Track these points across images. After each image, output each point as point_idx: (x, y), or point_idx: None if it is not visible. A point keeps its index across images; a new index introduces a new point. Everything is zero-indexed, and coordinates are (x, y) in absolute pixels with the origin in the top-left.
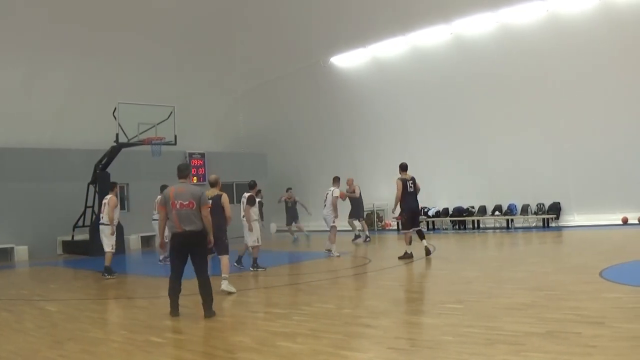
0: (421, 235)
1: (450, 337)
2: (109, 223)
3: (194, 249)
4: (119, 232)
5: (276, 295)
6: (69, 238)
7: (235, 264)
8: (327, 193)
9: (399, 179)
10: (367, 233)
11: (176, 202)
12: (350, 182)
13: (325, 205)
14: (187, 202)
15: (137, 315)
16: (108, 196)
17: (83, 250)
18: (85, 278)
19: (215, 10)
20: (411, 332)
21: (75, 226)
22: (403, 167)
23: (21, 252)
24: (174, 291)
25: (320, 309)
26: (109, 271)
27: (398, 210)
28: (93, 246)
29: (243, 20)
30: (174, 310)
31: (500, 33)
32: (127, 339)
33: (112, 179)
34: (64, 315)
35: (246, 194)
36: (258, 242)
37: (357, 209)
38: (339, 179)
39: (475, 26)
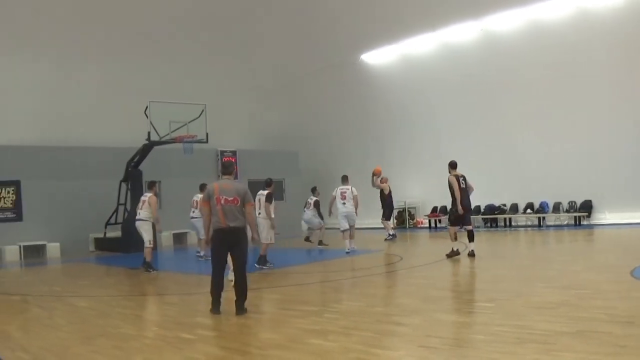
0: (471, 237)
1: (481, 336)
2: (147, 219)
3: (236, 245)
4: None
5: (307, 292)
6: (101, 235)
7: (256, 264)
8: (345, 191)
9: (451, 175)
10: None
11: (221, 197)
12: (381, 175)
13: (344, 204)
14: (231, 198)
15: (168, 311)
16: (148, 194)
17: (115, 247)
18: (117, 275)
19: (245, 7)
20: (442, 330)
21: (107, 223)
22: (453, 165)
23: (53, 249)
24: (218, 288)
25: (351, 307)
26: (149, 266)
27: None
28: (125, 243)
29: (273, 17)
30: (216, 308)
31: (530, 29)
32: (158, 335)
33: (144, 177)
34: (95, 312)
35: (263, 192)
36: (271, 239)
37: (389, 208)
38: (347, 177)
39: (504, 22)
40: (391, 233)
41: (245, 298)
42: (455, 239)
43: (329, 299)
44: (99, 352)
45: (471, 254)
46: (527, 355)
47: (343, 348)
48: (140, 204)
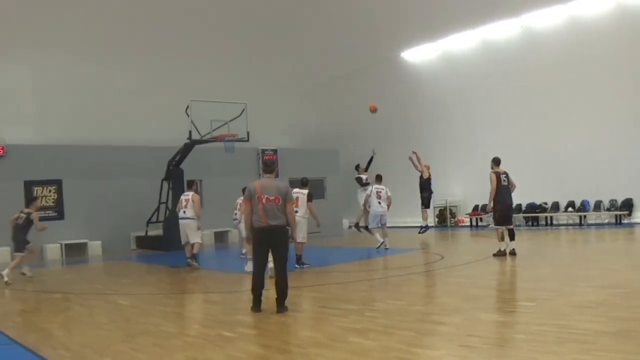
0: (512, 236)
1: (522, 335)
2: (194, 217)
3: (277, 244)
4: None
5: (348, 291)
6: (142, 233)
7: (296, 265)
8: (380, 191)
9: (493, 172)
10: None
11: (262, 196)
12: (424, 164)
13: (379, 203)
14: (273, 197)
15: (209, 309)
16: (190, 193)
17: (156, 246)
18: (158, 273)
19: (286, 5)
20: (483, 329)
21: (148, 222)
22: (496, 161)
23: (95, 247)
24: (259, 286)
25: (392, 306)
26: (195, 258)
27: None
28: (166, 241)
29: (314, 15)
30: (257, 306)
31: (570, 25)
32: (199, 333)
33: (185, 176)
34: (136, 310)
35: (301, 191)
36: (304, 239)
37: (427, 194)
38: (381, 176)
39: (544, 19)
40: (424, 225)
41: (286, 296)
42: (502, 238)
43: (370, 298)
44: (140, 350)
45: (512, 253)
46: (568, 355)
47: (383, 347)
48: (183, 203)
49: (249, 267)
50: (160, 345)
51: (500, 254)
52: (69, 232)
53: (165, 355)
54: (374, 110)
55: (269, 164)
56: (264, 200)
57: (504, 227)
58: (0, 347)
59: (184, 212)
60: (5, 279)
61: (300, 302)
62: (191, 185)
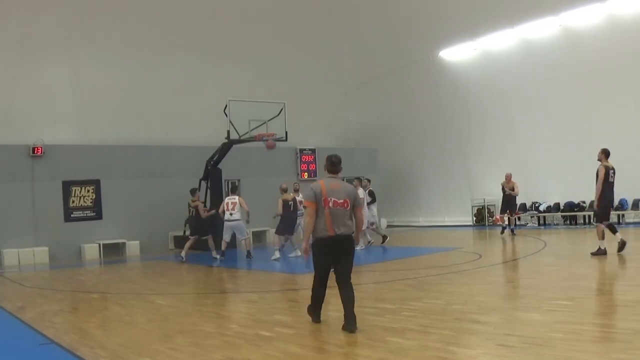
0: (613, 230)
1: (560, 334)
2: (241, 219)
3: (343, 255)
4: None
5: (385, 290)
6: (180, 233)
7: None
8: None
9: (602, 165)
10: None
11: (329, 199)
12: (509, 178)
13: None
14: (342, 201)
15: (247, 309)
16: (236, 197)
17: (194, 245)
18: (196, 272)
19: (325, 5)
20: (521, 328)
21: (186, 221)
22: (607, 153)
23: (133, 247)
24: (320, 301)
25: (430, 305)
26: (250, 253)
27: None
28: (205, 241)
29: (352, 14)
30: (317, 317)
31: (610, 24)
32: (237, 333)
33: (223, 176)
34: (174, 309)
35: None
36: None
37: (511, 204)
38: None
39: (584, 17)
40: (504, 226)
41: (353, 307)
42: (603, 237)
43: (407, 297)
44: (178, 349)
45: (622, 245)
46: (606, 354)
47: (421, 346)
48: (230, 206)
49: (276, 255)
50: (197, 345)
51: (600, 252)
52: (107, 232)
53: (203, 354)
54: (270, 147)
55: (335, 163)
56: (330, 204)
57: (604, 225)
58: (38, 347)
59: (231, 214)
60: (184, 258)
61: (337, 302)
62: (236, 189)
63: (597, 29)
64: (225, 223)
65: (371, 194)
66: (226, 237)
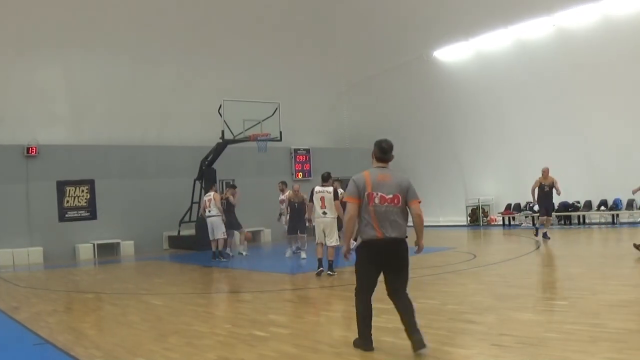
0: None
1: (555, 334)
2: (218, 214)
3: (394, 262)
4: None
5: (380, 290)
6: (174, 233)
7: (328, 272)
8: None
9: None
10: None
11: (375, 194)
12: (546, 173)
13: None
14: (390, 196)
15: (241, 309)
16: (211, 193)
17: (189, 245)
18: (191, 272)
19: (319, 5)
20: (515, 328)
21: (181, 221)
22: None
23: (127, 247)
24: (367, 321)
25: (424, 305)
26: (222, 253)
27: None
28: (199, 241)
29: (346, 14)
30: (368, 342)
31: (604, 24)
32: (231, 333)
33: (217, 176)
34: (168, 309)
35: (323, 188)
36: (337, 241)
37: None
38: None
39: (578, 17)
40: (537, 226)
41: (415, 318)
42: None
43: None
44: (172, 349)
45: None
46: (600, 354)
47: None
48: (206, 203)
49: (289, 253)
50: (192, 345)
51: None
52: (102, 232)
53: (197, 354)
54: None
55: (385, 149)
56: (376, 200)
57: None
58: (33, 347)
59: (209, 211)
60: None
61: (333, 302)
62: (211, 186)
63: (591, 29)
64: (207, 220)
65: None
66: (210, 235)
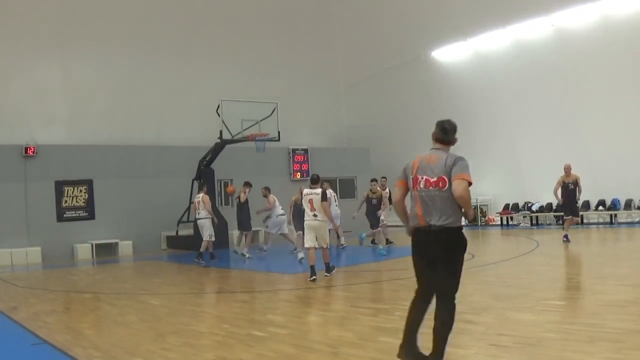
0: None
1: (553, 334)
2: (207, 217)
3: (438, 256)
4: (223, 227)
5: (378, 290)
6: (173, 233)
7: (325, 273)
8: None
9: None
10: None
11: (420, 177)
12: (569, 171)
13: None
14: (434, 179)
15: (239, 309)
16: (200, 195)
17: (187, 245)
18: (189, 272)
19: (317, 5)
20: (513, 328)
21: (179, 221)
22: None
23: (125, 247)
24: (409, 326)
25: None
26: (212, 256)
27: None
28: (197, 241)
29: (345, 15)
30: (411, 349)
31: (602, 24)
32: (229, 333)
33: (216, 176)
34: (167, 309)
35: (312, 190)
36: (327, 244)
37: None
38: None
39: (576, 18)
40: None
41: (445, 343)
42: None
43: (400, 297)
44: (170, 349)
45: None
46: (599, 354)
47: None
48: (197, 205)
49: (301, 255)
50: (190, 345)
51: None
52: (100, 232)
53: (196, 354)
54: (231, 192)
55: (447, 130)
56: (421, 184)
57: None
58: (31, 347)
59: (198, 212)
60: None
61: (331, 302)
62: (202, 187)
63: (590, 29)
64: (197, 222)
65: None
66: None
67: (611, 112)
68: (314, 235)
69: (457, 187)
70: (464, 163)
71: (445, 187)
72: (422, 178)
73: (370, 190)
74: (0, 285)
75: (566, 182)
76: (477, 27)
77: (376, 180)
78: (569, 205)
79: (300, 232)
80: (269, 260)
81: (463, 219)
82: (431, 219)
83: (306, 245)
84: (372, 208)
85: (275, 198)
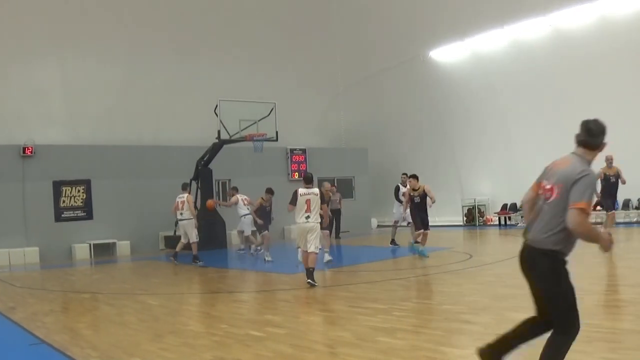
0: None
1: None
2: (190, 217)
3: (532, 277)
4: (221, 227)
5: (376, 290)
6: (170, 233)
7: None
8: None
9: None
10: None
11: (543, 184)
12: (611, 161)
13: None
14: (549, 186)
15: (237, 309)
16: (184, 195)
17: (185, 246)
18: (187, 272)
19: (315, 4)
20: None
21: (177, 222)
22: None
23: (123, 247)
24: (511, 330)
25: (421, 305)
26: (197, 258)
27: None
28: (177, 241)
29: (343, 14)
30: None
31: (601, 24)
32: (227, 333)
33: (214, 176)
34: (165, 309)
35: (309, 191)
36: (317, 249)
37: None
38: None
39: (574, 18)
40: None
41: None
42: None
43: (398, 297)
44: (168, 349)
45: None
46: (596, 354)
47: (411, 346)
48: (180, 205)
49: (326, 258)
50: (188, 345)
51: None
52: (98, 232)
53: (194, 354)
54: (210, 207)
55: (593, 132)
56: (540, 190)
57: None
58: (29, 347)
59: (181, 213)
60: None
61: (329, 302)
62: (186, 187)
63: (588, 29)
64: (179, 223)
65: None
66: (183, 238)
67: (612, 112)
68: (304, 238)
69: (571, 218)
70: (587, 181)
71: (553, 199)
72: (544, 184)
73: (410, 187)
74: None
75: (607, 174)
76: (475, 27)
77: (414, 176)
78: (610, 199)
79: (266, 233)
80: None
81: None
82: (530, 232)
83: (298, 247)
84: (416, 207)
85: (240, 199)
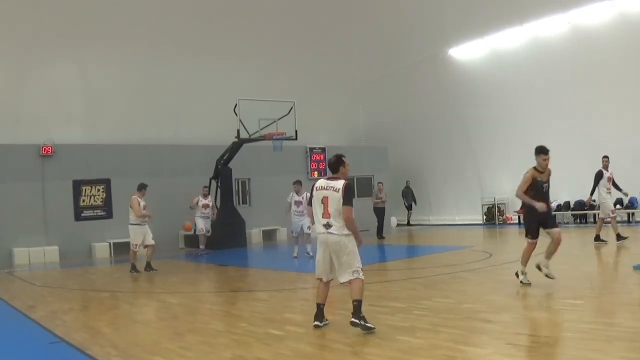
0: None
1: (570, 334)
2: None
3: None
4: (241, 226)
5: (396, 289)
6: (190, 232)
7: None
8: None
9: None
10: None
11: None
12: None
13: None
14: None
15: (257, 308)
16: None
17: (204, 244)
18: (207, 271)
19: (335, 3)
20: (531, 328)
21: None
22: None
23: None
24: None
25: (440, 304)
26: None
27: None
28: (215, 240)
29: (362, 12)
30: None
31: (620, 21)
32: (247, 332)
33: (233, 174)
34: (184, 308)
35: (336, 183)
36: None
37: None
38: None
39: (593, 15)
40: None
41: None
42: None
43: (418, 296)
44: (188, 347)
45: None
46: (616, 353)
47: (431, 345)
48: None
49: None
50: (207, 343)
51: None
52: (118, 231)
53: (213, 353)
54: (187, 229)
55: None
56: None
57: None
58: (48, 346)
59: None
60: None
61: (349, 300)
62: (140, 188)
63: (607, 26)
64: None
65: None
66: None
67: (630, 109)
68: (328, 257)
69: None
70: None
71: None
72: None
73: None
74: (18, 284)
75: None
76: (494, 25)
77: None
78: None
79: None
80: (286, 259)
81: None
82: None
83: (316, 276)
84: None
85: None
